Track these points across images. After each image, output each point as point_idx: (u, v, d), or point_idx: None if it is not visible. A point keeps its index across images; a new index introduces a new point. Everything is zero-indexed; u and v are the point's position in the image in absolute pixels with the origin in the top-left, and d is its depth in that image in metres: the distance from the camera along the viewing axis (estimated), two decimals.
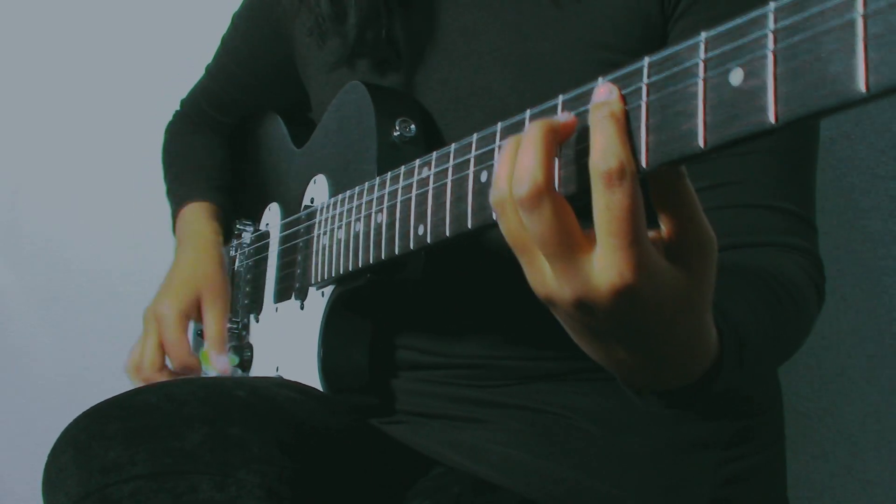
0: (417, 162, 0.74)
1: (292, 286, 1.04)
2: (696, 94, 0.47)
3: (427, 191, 0.71)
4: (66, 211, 1.78)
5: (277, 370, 1.06)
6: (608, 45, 0.86)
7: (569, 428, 0.87)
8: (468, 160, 0.66)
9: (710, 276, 0.55)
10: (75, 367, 1.77)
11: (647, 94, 0.51)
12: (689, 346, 0.58)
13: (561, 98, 0.57)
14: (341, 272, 0.90)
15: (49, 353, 1.79)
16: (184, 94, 1.35)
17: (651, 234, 0.53)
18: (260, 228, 1.20)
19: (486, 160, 0.64)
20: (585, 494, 0.83)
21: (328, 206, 0.95)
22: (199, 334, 1.26)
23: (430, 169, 0.72)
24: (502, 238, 0.57)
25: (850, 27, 0.39)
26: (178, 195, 1.27)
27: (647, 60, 0.51)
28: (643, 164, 0.50)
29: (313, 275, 0.97)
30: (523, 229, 0.54)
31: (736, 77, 0.45)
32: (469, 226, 0.65)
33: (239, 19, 1.23)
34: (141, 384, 1.08)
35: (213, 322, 1.14)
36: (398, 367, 0.98)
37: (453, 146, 0.68)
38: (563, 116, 0.56)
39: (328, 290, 0.97)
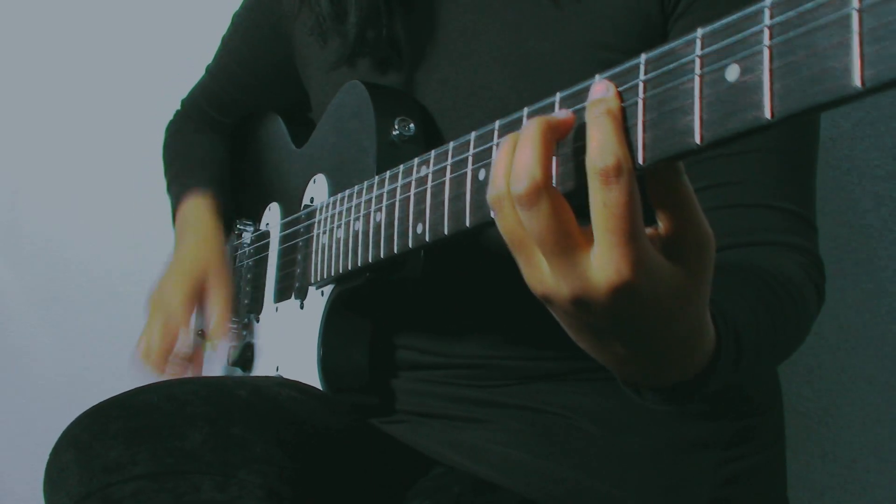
0: (416, 160, 0.74)
1: (292, 286, 1.04)
2: (692, 91, 0.47)
3: (425, 189, 0.72)
4: (66, 211, 1.79)
5: (277, 370, 1.06)
6: (608, 45, 0.86)
7: (569, 428, 0.87)
8: (466, 158, 0.66)
9: (707, 273, 0.55)
10: (75, 367, 1.77)
11: (644, 91, 0.51)
12: (687, 342, 0.58)
13: (558, 95, 0.57)
14: (341, 271, 0.90)
15: (49, 353, 1.80)
16: (184, 94, 1.36)
17: (649, 231, 0.53)
18: (260, 228, 1.20)
19: (484, 158, 0.64)
20: (585, 494, 0.83)
21: (327, 206, 0.95)
22: (200, 334, 1.26)
23: (428, 167, 0.72)
24: (502, 237, 0.57)
25: (846, 22, 0.39)
26: (179, 189, 1.26)
27: (643, 57, 0.51)
28: (640, 160, 0.50)
29: (313, 274, 0.97)
30: (520, 227, 0.54)
31: (732, 73, 0.45)
32: (467, 224, 0.65)
33: (239, 19, 1.23)
34: (151, 371, 1.07)
35: (218, 305, 1.11)
36: (398, 366, 0.98)
37: (451, 144, 0.69)
38: (561, 113, 0.56)
39: (328, 289, 0.97)
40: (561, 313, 0.57)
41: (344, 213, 0.90)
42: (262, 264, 1.16)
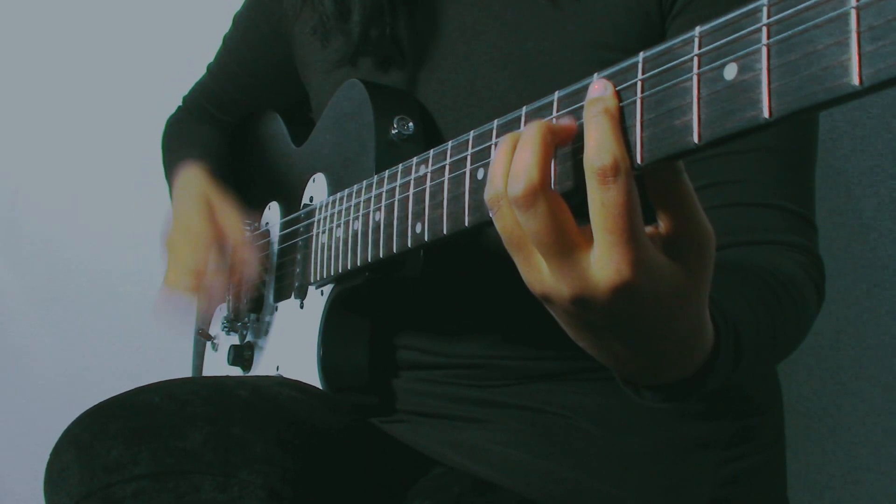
0: (415, 160, 0.74)
1: (292, 285, 1.04)
2: (690, 90, 0.47)
3: (424, 189, 0.72)
4: (66, 211, 1.79)
5: (278, 369, 1.06)
6: (607, 45, 0.86)
7: (569, 428, 0.87)
8: (465, 158, 0.66)
9: (708, 271, 0.55)
10: (75, 367, 1.77)
11: (642, 90, 0.50)
12: (686, 341, 0.58)
13: (557, 94, 0.57)
14: (340, 271, 0.90)
15: (49, 353, 1.80)
16: (185, 94, 1.36)
17: (649, 229, 0.53)
18: (260, 227, 1.20)
19: (482, 158, 0.64)
20: (585, 494, 0.83)
21: (327, 205, 0.95)
22: (200, 333, 1.26)
23: (427, 167, 0.72)
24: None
25: (844, 20, 0.39)
26: (176, 167, 1.22)
27: (641, 56, 0.51)
28: (638, 160, 0.50)
29: (312, 273, 0.97)
30: (518, 227, 0.54)
31: (730, 72, 0.45)
32: (466, 223, 0.65)
33: (240, 19, 1.24)
34: (184, 294, 1.03)
35: (230, 217, 1.08)
36: (398, 366, 0.98)
37: (450, 144, 0.69)
38: (565, 121, 0.56)
39: (327, 288, 0.97)
40: (560, 312, 0.57)
41: (343, 212, 0.90)
42: (261, 264, 1.16)
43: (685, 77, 0.48)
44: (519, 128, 0.60)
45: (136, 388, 0.88)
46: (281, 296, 1.09)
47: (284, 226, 1.10)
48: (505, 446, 0.88)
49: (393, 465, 0.94)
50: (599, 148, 0.50)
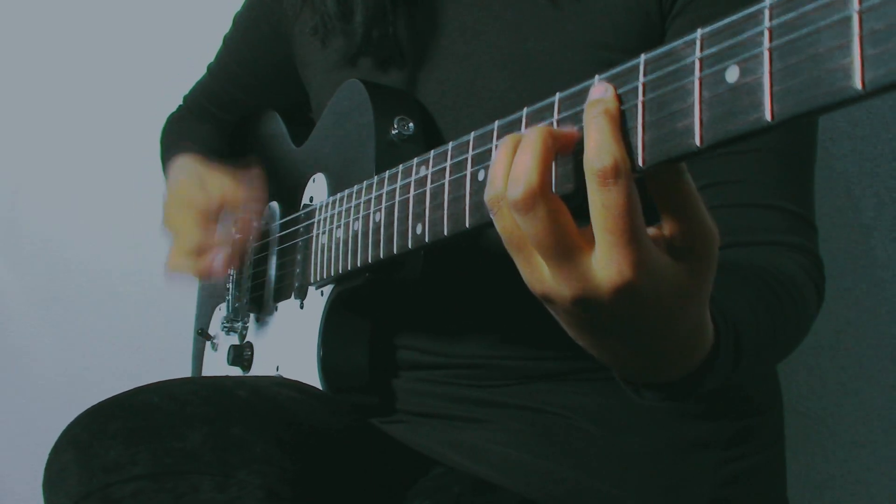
0: (415, 161, 0.74)
1: (291, 285, 1.04)
2: (692, 92, 0.47)
3: (425, 190, 0.71)
4: (66, 211, 1.79)
5: (277, 369, 1.06)
6: (607, 45, 0.86)
7: (569, 428, 0.87)
8: (465, 159, 0.66)
9: (710, 271, 0.55)
10: (75, 367, 1.77)
11: (644, 93, 0.50)
12: (687, 340, 0.58)
13: (558, 96, 0.57)
14: (340, 271, 0.90)
15: (49, 353, 1.80)
16: (185, 93, 1.36)
17: (652, 230, 0.53)
18: (259, 227, 1.20)
19: (483, 160, 0.64)
20: (585, 494, 0.83)
21: (327, 206, 0.95)
22: (200, 332, 1.26)
23: (427, 168, 0.72)
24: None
25: (846, 23, 0.39)
26: (173, 159, 1.20)
27: (643, 58, 0.51)
28: (640, 162, 0.50)
29: (312, 274, 0.97)
30: (518, 228, 0.54)
31: (732, 74, 0.45)
32: (467, 224, 0.65)
33: (240, 19, 1.24)
34: (191, 271, 1.02)
35: (223, 182, 1.05)
36: (398, 366, 0.98)
37: (450, 145, 0.68)
38: (567, 128, 0.55)
39: (327, 289, 0.97)
40: (561, 313, 0.57)
41: (343, 213, 0.90)
42: (261, 263, 1.16)
43: (687, 80, 0.48)
44: (520, 129, 0.60)
45: (135, 388, 0.87)
46: (280, 296, 1.09)
47: (284, 226, 1.10)
48: (505, 446, 0.88)
49: (393, 466, 0.94)
50: (599, 149, 0.50)
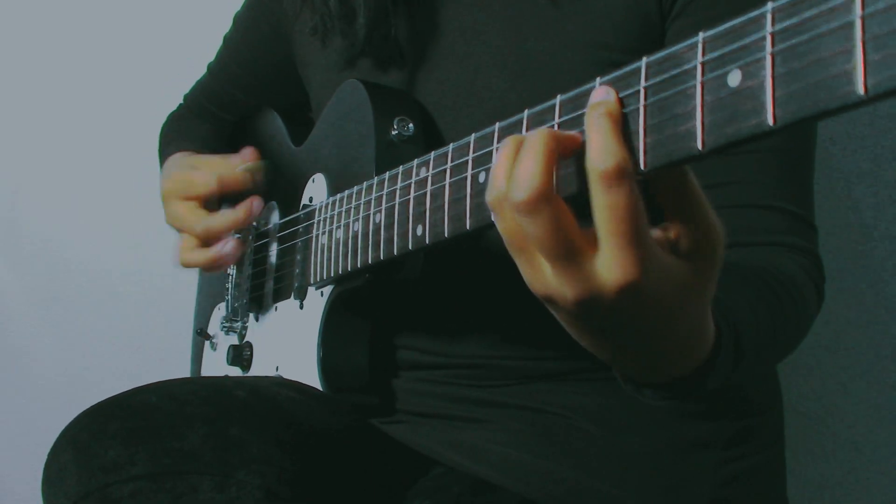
0: (415, 162, 0.74)
1: (291, 285, 1.04)
2: (694, 96, 0.47)
3: (425, 192, 0.71)
4: (66, 211, 1.78)
5: (277, 369, 1.06)
6: (607, 45, 0.86)
7: (569, 428, 0.87)
8: (466, 162, 0.66)
9: (714, 271, 0.55)
10: (75, 367, 1.77)
11: (645, 97, 0.50)
12: (688, 340, 0.58)
13: (559, 98, 0.57)
14: (340, 272, 0.90)
15: (49, 353, 1.80)
16: (185, 93, 1.36)
17: (657, 232, 0.53)
18: (259, 227, 1.20)
19: (484, 161, 0.64)
20: (585, 494, 0.83)
21: (327, 206, 0.95)
22: (199, 332, 1.26)
23: (428, 170, 0.71)
24: (502, 238, 0.57)
25: (849, 29, 0.39)
26: (169, 155, 1.23)
27: (644, 61, 0.51)
28: (642, 166, 0.50)
29: (312, 274, 0.97)
30: (520, 229, 0.54)
31: (734, 79, 0.45)
32: (468, 226, 0.65)
33: (240, 19, 1.24)
34: (199, 263, 1.03)
35: (225, 168, 1.07)
36: (398, 366, 0.98)
37: (451, 146, 0.68)
38: (571, 132, 0.55)
39: (327, 289, 0.97)
40: (563, 313, 0.57)
41: (343, 214, 0.90)
42: (261, 264, 1.16)
43: (689, 84, 0.48)
44: (521, 131, 0.60)
45: (134, 389, 0.87)
46: (280, 296, 1.09)
47: (284, 226, 1.10)
48: (505, 446, 0.88)
49: (393, 466, 0.94)
50: (602, 151, 0.50)
